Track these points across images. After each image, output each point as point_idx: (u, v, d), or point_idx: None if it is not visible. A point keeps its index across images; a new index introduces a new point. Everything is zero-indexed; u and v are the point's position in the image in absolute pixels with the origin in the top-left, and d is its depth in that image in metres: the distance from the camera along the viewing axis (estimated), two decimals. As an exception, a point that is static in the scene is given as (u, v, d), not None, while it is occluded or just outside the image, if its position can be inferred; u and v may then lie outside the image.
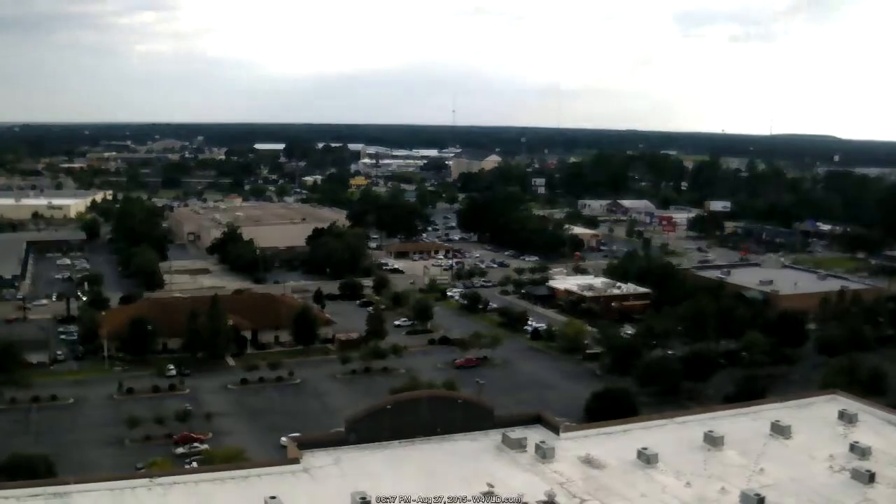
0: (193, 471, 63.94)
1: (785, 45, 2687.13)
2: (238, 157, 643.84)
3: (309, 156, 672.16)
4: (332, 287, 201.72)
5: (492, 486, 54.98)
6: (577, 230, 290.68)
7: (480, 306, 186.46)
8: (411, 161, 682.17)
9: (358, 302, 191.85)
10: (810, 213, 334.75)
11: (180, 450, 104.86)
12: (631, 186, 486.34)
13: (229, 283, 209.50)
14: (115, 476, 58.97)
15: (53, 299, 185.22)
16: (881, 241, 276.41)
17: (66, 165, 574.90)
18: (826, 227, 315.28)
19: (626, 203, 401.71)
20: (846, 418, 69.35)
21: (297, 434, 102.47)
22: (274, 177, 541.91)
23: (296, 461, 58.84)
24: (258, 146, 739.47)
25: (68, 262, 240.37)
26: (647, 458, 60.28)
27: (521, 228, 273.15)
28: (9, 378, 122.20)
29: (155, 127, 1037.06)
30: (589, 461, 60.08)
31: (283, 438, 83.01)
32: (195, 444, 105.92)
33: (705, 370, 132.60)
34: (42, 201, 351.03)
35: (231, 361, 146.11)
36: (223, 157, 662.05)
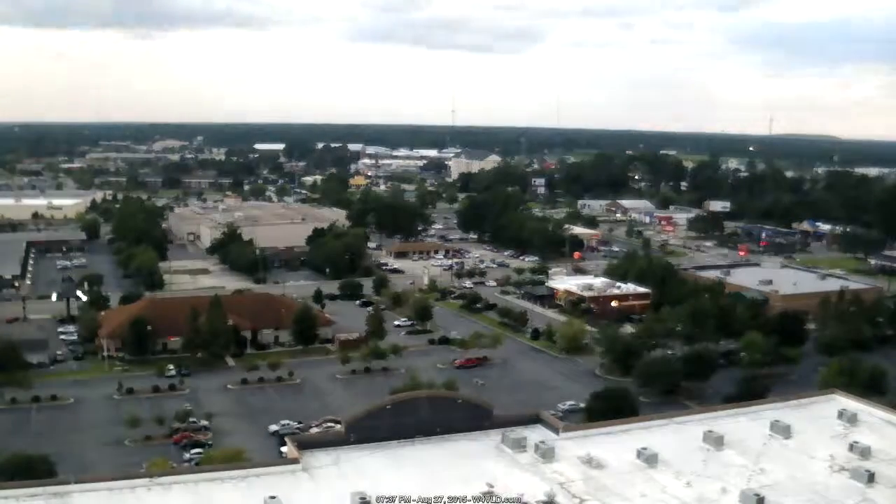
0: (193, 471, 63.92)
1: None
2: (238, 157, 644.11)
3: (309, 156, 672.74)
4: (332, 287, 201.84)
5: (492, 486, 54.97)
6: (577, 230, 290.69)
7: (480, 306, 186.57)
8: (411, 161, 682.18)
9: (358, 302, 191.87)
10: (810, 213, 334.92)
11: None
12: (631, 186, 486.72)
13: (229, 283, 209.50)
14: (115, 476, 58.88)
15: (53, 299, 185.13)
16: (881, 241, 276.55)
17: (66, 165, 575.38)
18: (826, 227, 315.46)
19: (626, 203, 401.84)
20: (846, 418, 69.33)
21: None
22: (274, 177, 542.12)
23: (295, 461, 58.82)
24: (258, 146, 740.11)
25: (68, 262, 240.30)
26: (647, 458, 60.26)
27: (521, 228, 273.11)
28: (9, 378, 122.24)
29: (155, 127, 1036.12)
30: (589, 461, 60.06)
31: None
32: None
33: (705, 370, 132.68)
34: (42, 201, 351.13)
35: (231, 361, 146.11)
36: (223, 157, 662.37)
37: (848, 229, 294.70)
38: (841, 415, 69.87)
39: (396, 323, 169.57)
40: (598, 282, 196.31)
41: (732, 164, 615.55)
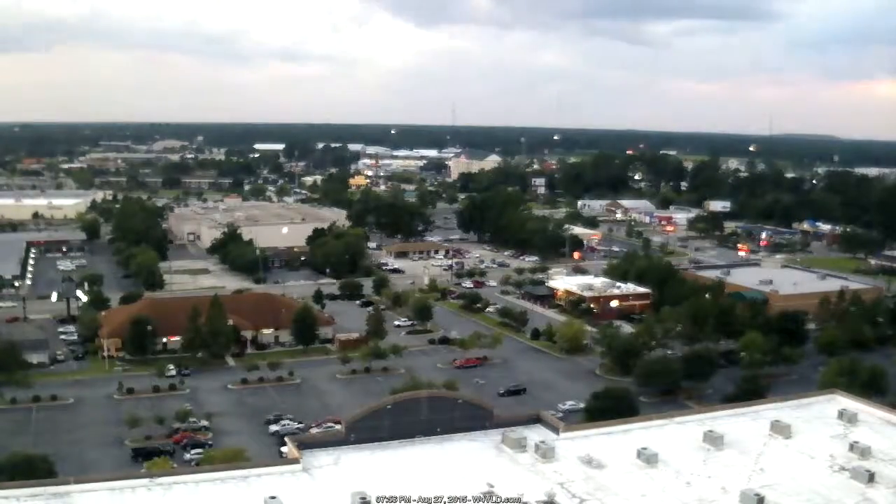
0: (193, 471, 63.93)
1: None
2: (238, 157, 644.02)
3: (309, 156, 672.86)
4: (332, 287, 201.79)
5: (492, 486, 55.00)
6: (577, 230, 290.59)
7: (480, 306, 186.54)
8: (411, 161, 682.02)
9: (358, 302, 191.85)
10: (810, 213, 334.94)
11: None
12: (631, 186, 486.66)
13: (229, 283, 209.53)
14: (115, 476, 58.92)
15: (53, 299, 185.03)
16: (881, 241, 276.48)
17: (66, 165, 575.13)
18: (826, 227, 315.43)
19: (626, 203, 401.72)
20: (846, 418, 69.38)
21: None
22: (274, 177, 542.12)
23: (296, 461, 58.83)
24: (258, 146, 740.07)
25: (68, 262, 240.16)
26: (647, 458, 60.28)
27: (521, 228, 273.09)
28: (9, 378, 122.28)
29: (155, 127, 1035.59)
30: (589, 461, 60.07)
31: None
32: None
33: (705, 370, 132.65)
34: (42, 201, 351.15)
35: (231, 361, 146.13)
36: (223, 157, 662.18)
37: (848, 229, 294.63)
38: (841, 415, 69.92)
39: (396, 323, 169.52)
40: (598, 282, 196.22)
41: (732, 164, 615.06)
